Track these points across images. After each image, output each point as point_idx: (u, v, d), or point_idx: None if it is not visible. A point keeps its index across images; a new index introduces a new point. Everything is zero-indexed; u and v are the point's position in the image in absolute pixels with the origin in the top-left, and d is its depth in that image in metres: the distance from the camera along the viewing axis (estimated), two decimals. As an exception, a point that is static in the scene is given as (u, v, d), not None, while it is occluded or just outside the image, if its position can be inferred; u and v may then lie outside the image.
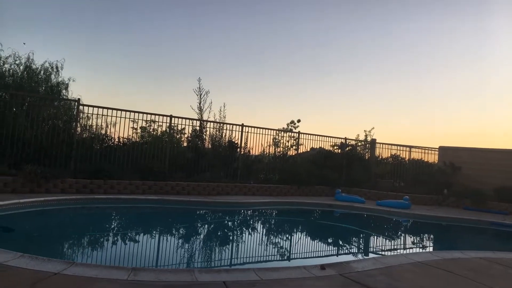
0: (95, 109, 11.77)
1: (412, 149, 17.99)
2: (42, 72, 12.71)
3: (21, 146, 10.37)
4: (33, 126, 10.88)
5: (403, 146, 17.97)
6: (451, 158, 16.47)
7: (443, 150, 17.49)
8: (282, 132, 16.15)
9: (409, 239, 9.95)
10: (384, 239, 9.39)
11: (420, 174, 17.02)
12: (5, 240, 5.93)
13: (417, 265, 5.06)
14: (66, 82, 13.26)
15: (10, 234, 6.34)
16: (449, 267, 5.03)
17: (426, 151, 18.10)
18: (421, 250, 8.32)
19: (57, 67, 13.03)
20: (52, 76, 12.95)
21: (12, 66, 12.30)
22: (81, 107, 11.64)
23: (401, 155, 18.06)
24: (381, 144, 17.83)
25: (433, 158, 18.08)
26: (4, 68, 12.13)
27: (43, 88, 12.68)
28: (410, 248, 8.65)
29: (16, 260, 3.94)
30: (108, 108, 11.92)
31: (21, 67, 12.42)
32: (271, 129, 15.61)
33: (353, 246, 8.60)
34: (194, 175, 13.20)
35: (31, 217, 8.06)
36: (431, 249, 8.86)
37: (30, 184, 9.42)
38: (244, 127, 14.76)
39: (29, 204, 8.17)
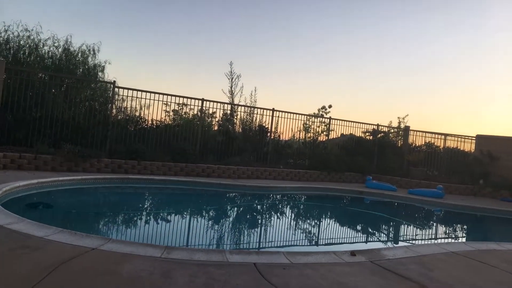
0: (130, 91, 12.03)
1: (448, 137, 17.43)
2: (79, 54, 13.06)
3: (59, 126, 10.77)
4: (71, 107, 11.27)
5: (438, 134, 17.45)
6: (489, 147, 15.85)
7: (480, 139, 16.83)
8: (313, 118, 16.02)
9: (442, 229, 9.73)
10: (416, 228, 9.23)
11: (455, 163, 16.51)
12: (46, 215, 6.22)
13: (451, 255, 4.94)
14: (102, 64, 13.65)
15: (50, 210, 6.64)
16: (484, 258, 4.89)
17: (462, 139, 17.48)
18: (454, 240, 8.13)
19: (93, 50, 13.38)
20: (89, 59, 13.32)
21: (51, 49, 12.72)
22: (116, 89, 11.92)
23: (435, 143, 17.57)
24: (415, 132, 17.38)
25: (469, 147, 17.47)
26: (43, 50, 12.55)
27: (81, 70, 13.04)
28: (442, 238, 8.46)
29: (56, 235, 4.12)
30: (142, 91, 12.15)
31: (60, 50, 12.82)
32: (301, 114, 15.50)
33: (383, 234, 8.50)
34: (224, 159, 13.34)
35: (69, 194, 8.41)
36: (464, 239, 8.64)
37: (68, 163, 9.79)
38: (274, 112, 14.73)
39: (68, 182, 8.51)
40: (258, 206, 10.24)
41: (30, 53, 12.23)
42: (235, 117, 14.74)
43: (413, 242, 7.58)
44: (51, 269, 3.05)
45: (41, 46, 12.48)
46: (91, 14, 23.55)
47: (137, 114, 12.51)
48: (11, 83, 10.52)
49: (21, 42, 12.11)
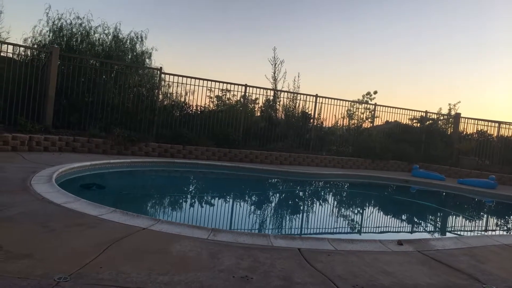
0: (175, 77, 12.28)
1: (502, 125, 16.46)
2: (128, 41, 13.36)
3: (110, 111, 11.21)
4: (120, 92, 11.66)
5: (491, 121, 16.52)
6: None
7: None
8: (357, 104, 15.64)
9: (494, 221, 9.29)
10: (466, 219, 8.86)
11: (509, 152, 15.59)
12: (98, 195, 6.53)
13: (504, 247, 4.72)
14: (149, 51, 13.89)
15: (102, 191, 6.97)
16: (541, 252, 4.63)
17: (518, 127, 16.49)
18: (507, 232, 7.74)
19: (141, 37, 13.63)
20: (137, 46, 13.57)
21: (101, 36, 13.10)
22: (162, 76, 12.20)
23: (488, 131, 16.66)
24: (466, 119, 16.56)
25: (525, 135, 16.47)
26: (94, 38, 12.97)
27: (129, 56, 13.36)
28: (494, 230, 8.10)
29: (110, 214, 4.32)
30: (186, 77, 12.37)
31: (110, 37, 13.17)
32: (345, 100, 15.19)
33: (431, 224, 8.23)
34: (266, 144, 13.39)
35: (120, 176, 8.78)
36: (518, 232, 8.20)
37: (118, 146, 10.19)
38: (317, 98, 14.52)
39: (118, 165, 8.88)
40: (301, 193, 10.23)
41: (82, 41, 12.67)
42: (278, 103, 14.68)
43: (463, 233, 7.30)
44: (106, 246, 3.22)
45: (92, 34, 12.90)
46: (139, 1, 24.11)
47: (182, 99, 12.76)
48: (65, 69, 11.03)
49: (73, 30, 12.57)
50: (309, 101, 14.51)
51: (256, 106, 14.54)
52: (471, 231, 7.64)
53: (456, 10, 25.09)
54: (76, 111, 10.88)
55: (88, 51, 12.50)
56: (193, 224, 4.60)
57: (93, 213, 4.29)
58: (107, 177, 8.38)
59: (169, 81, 12.40)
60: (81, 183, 7.18)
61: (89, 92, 11.25)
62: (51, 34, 12.32)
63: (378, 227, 7.32)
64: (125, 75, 12.16)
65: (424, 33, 27.60)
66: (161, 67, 12.18)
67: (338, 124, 15.56)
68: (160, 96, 12.40)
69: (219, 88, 13.23)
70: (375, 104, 15.62)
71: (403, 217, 8.73)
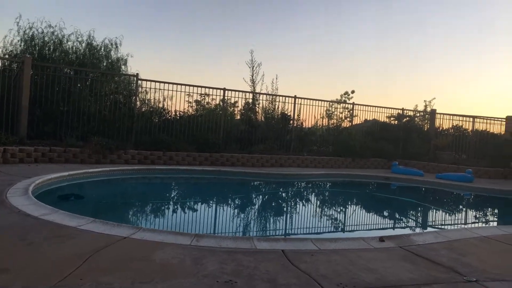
0: (153, 83, 12.17)
1: (476, 120, 16.91)
2: (102, 48, 13.20)
3: (86, 119, 11.01)
4: (96, 100, 11.47)
5: (465, 116, 16.96)
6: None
7: (511, 121, 16.28)
8: (336, 104, 15.82)
9: (472, 213, 9.51)
10: (445, 213, 9.04)
11: (484, 145, 16.02)
12: (78, 206, 6.39)
13: (483, 240, 4.82)
14: (125, 58, 13.77)
15: (81, 201, 6.83)
16: (518, 242, 4.75)
17: (492, 121, 16.96)
18: (485, 225, 7.93)
19: (116, 44, 13.48)
20: (112, 53, 13.42)
21: (75, 44, 12.91)
22: (139, 82, 12.06)
23: (463, 126, 17.08)
24: (442, 115, 16.94)
25: (499, 129, 16.96)
26: (67, 46, 12.75)
27: (104, 64, 13.19)
28: (473, 222, 8.28)
29: (89, 224, 4.23)
30: (164, 82, 12.27)
31: (83, 44, 12.99)
32: (324, 101, 15.33)
33: (412, 220, 8.37)
34: (247, 147, 13.38)
35: (99, 186, 8.62)
36: (496, 224, 8.41)
37: (96, 155, 10.01)
38: (296, 99, 14.62)
39: (97, 174, 8.72)
40: (284, 194, 10.25)
41: (54, 49, 12.44)
42: (257, 105, 14.70)
43: (443, 227, 7.45)
44: (87, 256, 3.15)
45: (65, 42, 12.68)
46: (111, 7, 23.81)
47: (161, 105, 12.65)
48: (38, 79, 10.80)
49: (46, 39, 12.33)
50: (288, 102, 14.60)
51: (236, 109, 14.56)
52: (451, 224, 7.81)
53: (429, 6, 25.68)
54: (51, 121, 10.66)
55: (61, 59, 12.28)
56: (176, 231, 4.55)
57: (72, 224, 4.19)
58: (86, 187, 8.23)
59: (146, 87, 12.29)
60: (59, 194, 7.01)
61: (64, 101, 11.03)
62: (22, 44, 12.08)
63: (361, 224, 7.40)
64: (101, 82, 12.00)
65: (399, 31, 28.13)
66: (137, 73, 12.06)
67: (318, 125, 15.73)
68: (138, 103, 12.26)
69: (197, 93, 13.20)
70: (353, 103, 15.82)
71: (385, 213, 8.85)
